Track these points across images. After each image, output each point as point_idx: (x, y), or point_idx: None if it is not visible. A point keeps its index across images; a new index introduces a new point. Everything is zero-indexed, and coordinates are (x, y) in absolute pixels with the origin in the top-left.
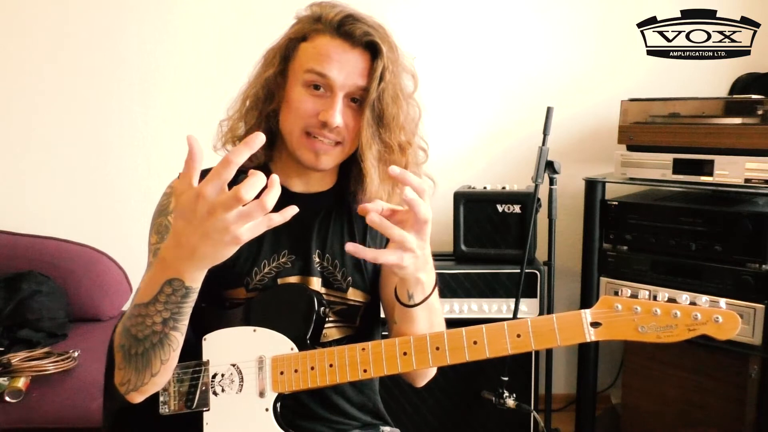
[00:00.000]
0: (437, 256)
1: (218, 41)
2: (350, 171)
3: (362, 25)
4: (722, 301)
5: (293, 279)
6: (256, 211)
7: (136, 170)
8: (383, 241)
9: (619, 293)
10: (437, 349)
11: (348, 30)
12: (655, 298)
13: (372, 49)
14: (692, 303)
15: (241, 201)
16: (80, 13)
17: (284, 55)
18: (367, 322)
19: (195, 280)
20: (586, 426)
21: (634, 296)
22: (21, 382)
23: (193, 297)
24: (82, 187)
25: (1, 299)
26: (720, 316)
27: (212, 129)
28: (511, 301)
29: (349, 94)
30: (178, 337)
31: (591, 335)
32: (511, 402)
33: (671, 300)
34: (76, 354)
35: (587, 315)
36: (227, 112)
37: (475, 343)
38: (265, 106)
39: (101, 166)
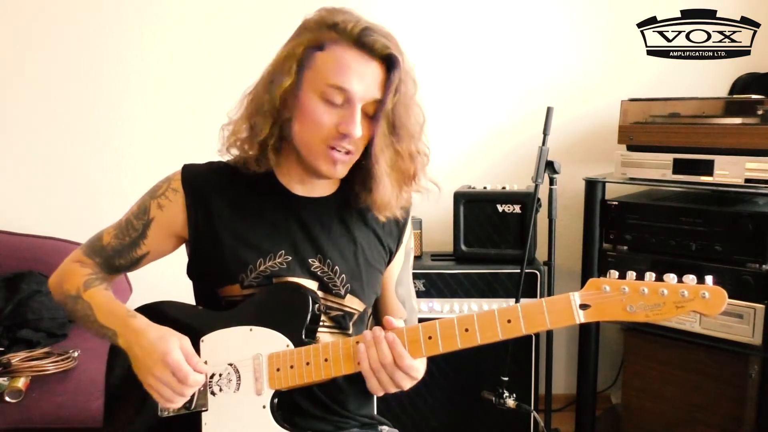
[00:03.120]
0: (438, 256)
1: (210, 38)
2: (354, 176)
3: (380, 37)
4: (709, 278)
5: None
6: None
7: (136, 170)
8: (391, 247)
9: (607, 275)
10: (429, 338)
11: (367, 42)
12: (642, 278)
13: (388, 61)
14: (679, 281)
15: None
16: (80, 12)
17: (300, 64)
18: (358, 328)
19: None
20: (586, 426)
21: (621, 277)
22: (21, 382)
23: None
24: (82, 187)
25: (1, 299)
26: (707, 292)
27: (212, 126)
28: (511, 301)
29: (364, 106)
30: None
31: (580, 317)
32: (511, 402)
33: (658, 279)
34: (76, 354)
35: (576, 297)
36: (228, 116)
37: (466, 330)
38: (281, 114)
39: (101, 166)
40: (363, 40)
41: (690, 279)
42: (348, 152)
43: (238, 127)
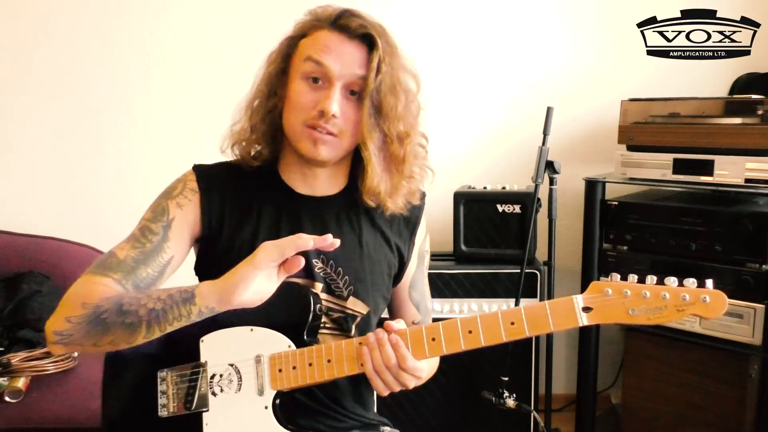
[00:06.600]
0: (437, 256)
1: (214, 39)
2: (359, 173)
3: (357, 18)
4: (709, 282)
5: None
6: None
7: (136, 170)
8: (401, 249)
9: (609, 278)
10: (433, 339)
11: (344, 23)
12: (643, 281)
13: (368, 42)
14: (680, 284)
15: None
16: (85, 12)
17: (285, 53)
18: (361, 331)
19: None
20: (586, 426)
21: (623, 280)
22: (21, 382)
23: (191, 310)
24: (81, 187)
25: (1, 299)
26: (707, 296)
27: (212, 126)
28: (511, 301)
29: (347, 85)
30: (142, 334)
31: (583, 319)
32: (511, 402)
33: (659, 282)
34: (76, 354)
35: (579, 300)
36: (233, 117)
37: (470, 332)
38: (269, 102)
39: (101, 166)
40: (339, 22)
41: (690, 282)
42: (329, 133)
43: (237, 127)
